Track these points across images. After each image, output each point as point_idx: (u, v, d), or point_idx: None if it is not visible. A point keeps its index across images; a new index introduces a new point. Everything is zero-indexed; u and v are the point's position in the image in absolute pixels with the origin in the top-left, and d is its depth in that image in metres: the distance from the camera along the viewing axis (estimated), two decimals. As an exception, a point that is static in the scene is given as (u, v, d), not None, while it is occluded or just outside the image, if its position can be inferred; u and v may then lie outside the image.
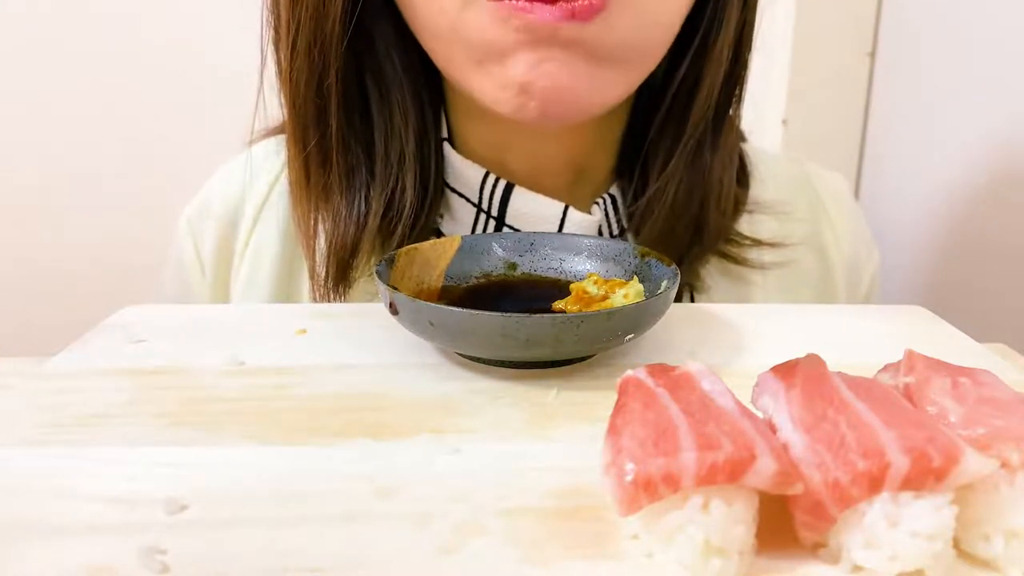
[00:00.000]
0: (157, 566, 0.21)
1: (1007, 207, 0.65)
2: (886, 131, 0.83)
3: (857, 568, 0.21)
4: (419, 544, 0.23)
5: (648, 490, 0.21)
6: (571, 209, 0.47)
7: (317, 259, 0.47)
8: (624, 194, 0.50)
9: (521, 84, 0.39)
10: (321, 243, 0.47)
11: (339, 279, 0.47)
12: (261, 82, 0.46)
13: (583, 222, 0.47)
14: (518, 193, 0.48)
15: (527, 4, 0.36)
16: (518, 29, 0.37)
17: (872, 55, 0.84)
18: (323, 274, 0.47)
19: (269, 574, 0.21)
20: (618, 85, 0.42)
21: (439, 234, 0.49)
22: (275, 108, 0.47)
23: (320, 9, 0.42)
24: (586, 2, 0.36)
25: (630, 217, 0.50)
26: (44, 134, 1.10)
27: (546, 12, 0.36)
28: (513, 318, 0.30)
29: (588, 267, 0.41)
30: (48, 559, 0.22)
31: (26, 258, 1.15)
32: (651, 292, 0.37)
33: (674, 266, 0.37)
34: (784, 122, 0.86)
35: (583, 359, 0.35)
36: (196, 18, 1.06)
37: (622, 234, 0.50)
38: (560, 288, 0.40)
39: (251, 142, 0.53)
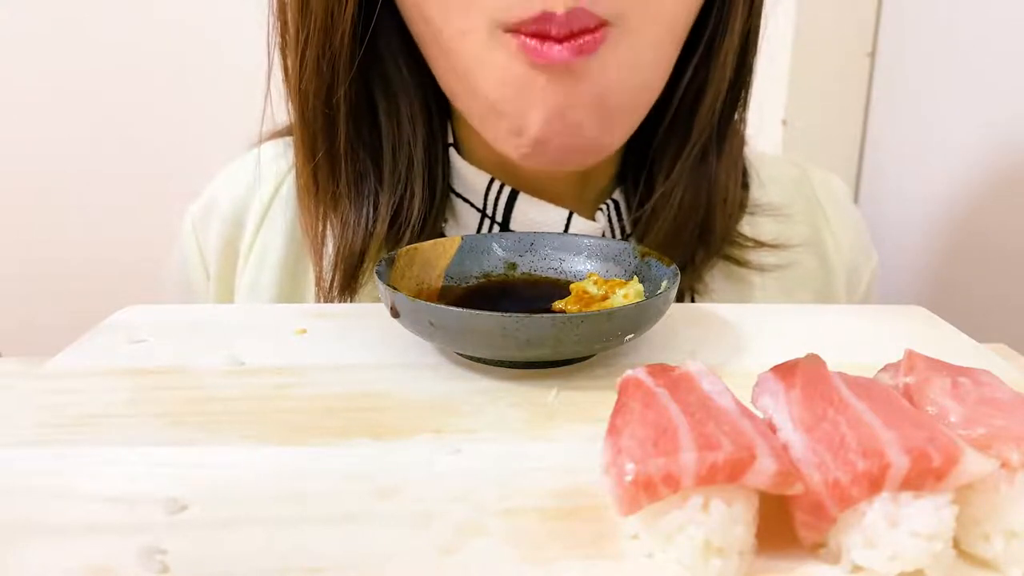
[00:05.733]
0: (157, 566, 0.21)
1: (1007, 207, 0.65)
2: (886, 131, 0.83)
3: (857, 568, 0.21)
4: (419, 544, 0.23)
5: (648, 490, 0.21)
6: (575, 216, 0.47)
7: (324, 265, 0.47)
8: (628, 200, 0.50)
9: (536, 138, 0.41)
10: (329, 250, 0.47)
11: (345, 285, 0.47)
12: (268, 86, 0.46)
13: (587, 229, 0.48)
14: (523, 200, 0.48)
15: (538, 46, 0.37)
16: (535, 66, 0.38)
17: (872, 55, 0.84)
18: (330, 280, 0.47)
19: (269, 574, 0.21)
20: (622, 126, 0.43)
21: None
22: (281, 109, 0.47)
23: (329, 23, 0.42)
24: (589, 36, 0.37)
25: (634, 223, 0.50)
26: (45, 133, 1.11)
27: (553, 53, 0.37)
28: (513, 318, 0.30)
29: (588, 267, 0.41)
30: (48, 559, 0.22)
31: (26, 258, 1.15)
32: (651, 292, 0.37)
33: (674, 266, 0.37)
34: (784, 122, 0.86)
35: (583, 359, 0.35)
36: (199, 18, 1.07)
37: (626, 240, 0.50)
38: (560, 288, 0.40)
39: (257, 143, 0.53)
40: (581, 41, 0.37)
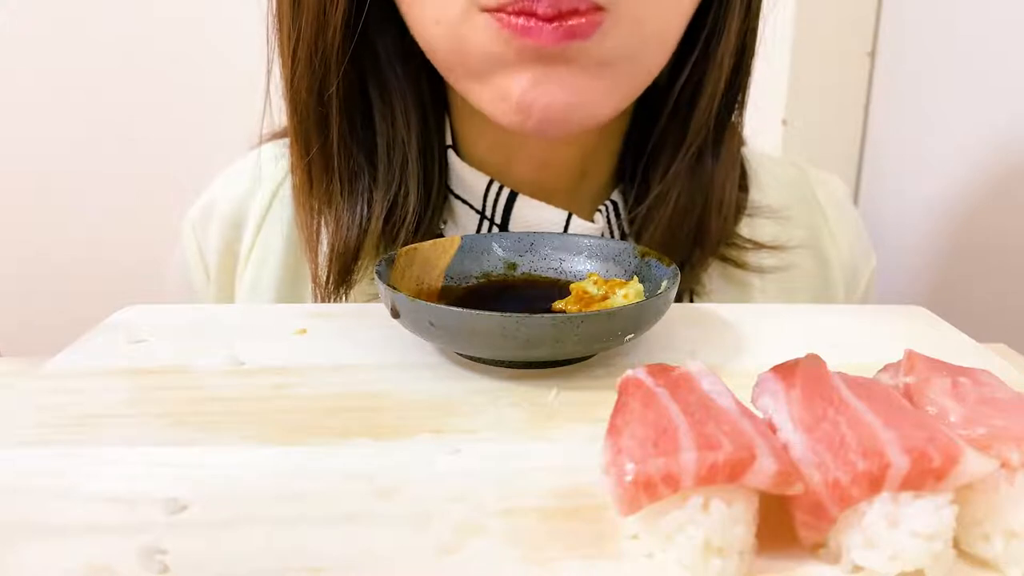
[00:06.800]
0: (157, 566, 0.21)
1: (1007, 207, 0.65)
2: (886, 131, 0.83)
3: (857, 568, 0.21)
4: (419, 544, 0.23)
5: (648, 490, 0.21)
6: (574, 217, 0.47)
7: (320, 262, 0.47)
8: (626, 199, 0.50)
9: (520, 102, 0.39)
10: (324, 247, 0.47)
11: (340, 282, 0.47)
12: (268, 86, 0.46)
13: (586, 230, 0.48)
14: (522, 201, 0.48)
15: (526, 26, 0.36)
16: (519, 49, 0.37)
17: (872, 55, 0.84)
18: (325, 277, 0.47)
19: (269, 574, 0.21)
20: (616, 98, 0.42)
21: None
22: (281, 109, 0.47)
23: (321, 19, 0.42)
24: (583, 20, 0.36)
25: (631, 222, 0.50)
26: (45, 133, 1.11)
27: (543, 36, 0.36)
28: (513, 318, 0.30)
29: (588, 267, 0.41)
30: (48, 559, 0.22)
31: (26, 258, 1.15)
32: (651, 292, 0.37)
33: (674, 266, 0.37)
34: (784, 122, 0.86)
35: (583, 359, 0.35)
36: (199, 18, 1.07)
37: (624, 240, 0.50)
38: (560, 288, 0.40)
39: (257, 144, 0.53)
40: (571, 23, 0.36)
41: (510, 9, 0.36)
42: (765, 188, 0.55)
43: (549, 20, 0.36)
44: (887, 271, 0.65)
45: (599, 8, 0.37)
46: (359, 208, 0.46)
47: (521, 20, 0.36)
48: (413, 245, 0.39)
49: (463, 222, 0.49)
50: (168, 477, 0.26)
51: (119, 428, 0.29)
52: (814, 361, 0.26)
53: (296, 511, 0.24)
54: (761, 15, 0.47)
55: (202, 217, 0.53)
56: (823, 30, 0.83)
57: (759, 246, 0.51)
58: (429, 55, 0.43)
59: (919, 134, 0.77)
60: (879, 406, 0.23)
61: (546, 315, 0.30)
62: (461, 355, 0.35)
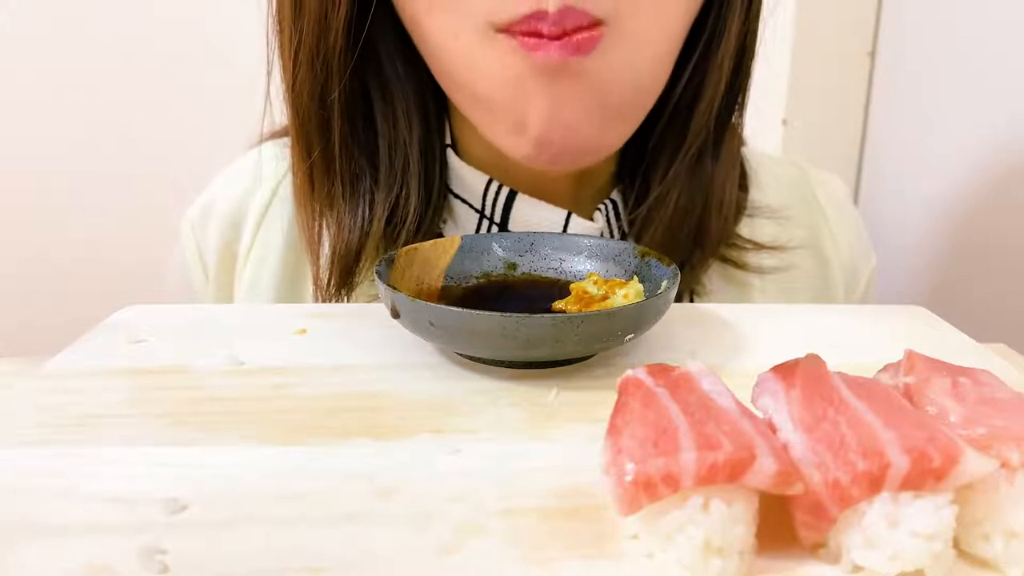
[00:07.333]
0: (157, 566, 0.21)
1: (1007, 207, 0.65)
2: (886, 131, 0.83)
3: (857, 568, 0.21)
4: (419, 544, 0.23)
5: (648, 490, 0.21)
6: (574, 216, 0.47)
7: (321, 264, 0.47)
8: (625, 200, 0.50)
9: (537, 138, 0.41)
10: (325, 248, 0.47)
11: (342, 284, 0.47)
12: (268, 87, 0.46)
13: (585, 229, 0.48)
14: (521, 200, 0.48)
15: (536, 42, 0.37)
16: (530, 68, 0.38)
17: (872, 55, 0.84)
18: (327, 279, 0.47)
19: (269, 574, 0.21)
20: (621, 127, 0.43)
21: None
22: (281, 109, 0.47)
23: (322, 22, 0.42)
24: (586, 35, 0.37)
25: (631, 223, 0.50)
26: (45, 133, 1.11)
27: (552, 51, 0.37)
28: (513, 318, 0.30)
29: (588, 267, 0.41)
30: (48, 559, 0.22)
31: (26, 258, 1.15)
32: (651, 292, 0.37)
33: (674, 266, 0.37)
34: (784, 122, 0.86)
35: (583, 359, 0.35)
36: (199, 18, 1.07)
37: (624, 240, 0.50)
38: (560, 288, 0.40)
39: (255, 144, 0.53)
40: (576, 39, 0.37)
41: (517, 30, 0.37)
42: (765, 188, 0.55)
43: (555, 38, 0.37)
44: (887, 271, 0.65)
45: (601, 23, 0.37)
46: (361, 210, 0.46)
47: (531, 40, 0.37)
48: (413, 245, 0.39)
49: (463, 222, 0.49)
50: (168, 477, 0.26)
51: (119, 428, 0.29)
52: (814, 361, 0.26)
53: (296, 511, 0.24)
54: (761, 16, 0.47)
55: (201, 216, 0.53)
56: (823, 30, 0.83)
57: (759, 246, 0.51)
58: (439, 75, 0.43)
59: (919, 134, 0.77)
60: (879, 406, 0.23)
61: (546, 315, 0.30)
62: (461, 355, 0.35)
